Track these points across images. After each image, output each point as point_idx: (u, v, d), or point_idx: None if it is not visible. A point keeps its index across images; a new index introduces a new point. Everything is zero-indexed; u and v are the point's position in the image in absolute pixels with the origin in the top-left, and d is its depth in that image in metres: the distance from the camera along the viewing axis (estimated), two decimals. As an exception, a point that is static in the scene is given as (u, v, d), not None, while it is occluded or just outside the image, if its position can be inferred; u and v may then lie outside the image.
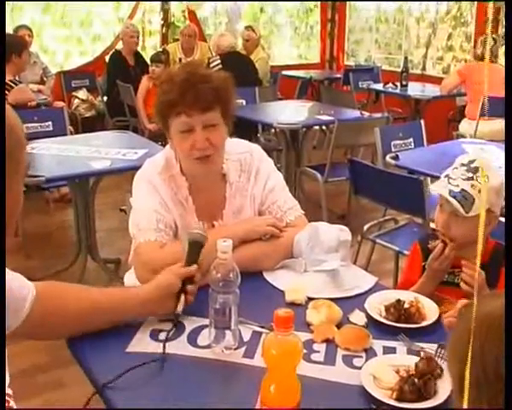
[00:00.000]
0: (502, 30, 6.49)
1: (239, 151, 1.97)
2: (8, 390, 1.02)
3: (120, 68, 6.50)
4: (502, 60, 5.63)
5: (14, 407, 1.01)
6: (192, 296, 1.60)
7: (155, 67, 5.88)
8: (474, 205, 1.75)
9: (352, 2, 8.84)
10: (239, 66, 5.67)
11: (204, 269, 1.59)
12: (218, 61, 5.68)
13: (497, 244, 1.89)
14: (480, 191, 1.74)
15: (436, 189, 1.84)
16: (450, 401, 1.26)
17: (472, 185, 1.75)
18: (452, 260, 1.83)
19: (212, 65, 5.57)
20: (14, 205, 1.02)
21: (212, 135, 1.80)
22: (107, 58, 7.57)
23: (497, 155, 3.40)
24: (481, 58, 5.53)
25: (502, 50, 5.62)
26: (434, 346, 1.46)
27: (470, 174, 1.77)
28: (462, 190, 1.76)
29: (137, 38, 6.70)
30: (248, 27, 6.94)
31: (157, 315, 1.58)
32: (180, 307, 1.56)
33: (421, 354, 1.41)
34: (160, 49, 7.38)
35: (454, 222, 1.79)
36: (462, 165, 1.81)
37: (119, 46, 6.83)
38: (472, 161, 1.80)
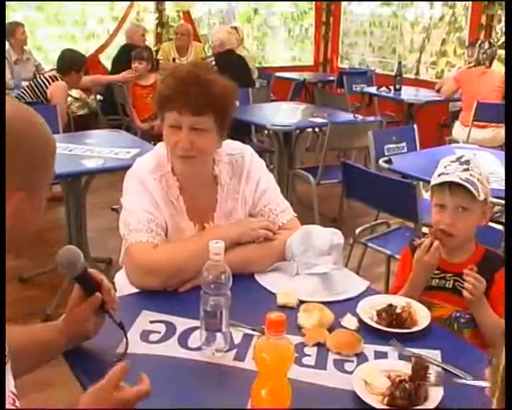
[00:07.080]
0: (497, 36, 6.52)
1: (230, 152, 1.96)
2: (13, 390, 0.99)
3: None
4: (495, 65, 5.65)
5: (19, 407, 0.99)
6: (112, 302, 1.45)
7: (138, 64, 5.86)
8: (480, 191, 1.79)
9: (347, 6, 8.85)
10: (233, 66, 5.64)
11: (107, 284, 1.44)
12: (212, 62, 5.57)
13: (487, 250, 1.90)
14: (478, 180, 1.80)
15: (443, 179, 1.82)
16: (441, 406, 1.26)
17: (471, 174, 1.80)
18: (440, 256, 1.84)
19: None
20: (36, 213, 1.04)
21: (198, 139, 1.78)
22: (100, 57, 7.54)
23: (490, 160, 3.41)
24: (477, 64, 5.55)
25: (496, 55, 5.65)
26: (426, 351, 1.46)
27: (465, 166, 1.82)
28: (466, 178, 1.79)
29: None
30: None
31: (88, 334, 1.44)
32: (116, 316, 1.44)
33: (412, 358, 1.41)
34: (155, 48, 7.37)
35: (460, 217, 1.82)
36: (452, 162, 1.85)
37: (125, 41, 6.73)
38: (460, 157, 1.86)
